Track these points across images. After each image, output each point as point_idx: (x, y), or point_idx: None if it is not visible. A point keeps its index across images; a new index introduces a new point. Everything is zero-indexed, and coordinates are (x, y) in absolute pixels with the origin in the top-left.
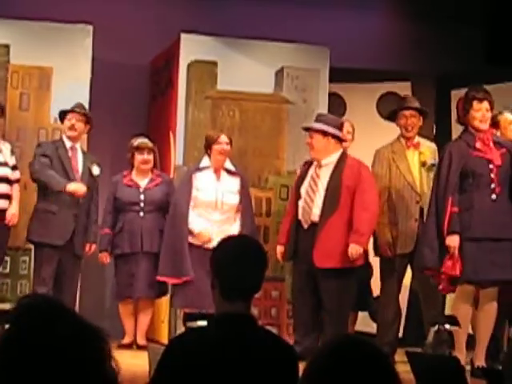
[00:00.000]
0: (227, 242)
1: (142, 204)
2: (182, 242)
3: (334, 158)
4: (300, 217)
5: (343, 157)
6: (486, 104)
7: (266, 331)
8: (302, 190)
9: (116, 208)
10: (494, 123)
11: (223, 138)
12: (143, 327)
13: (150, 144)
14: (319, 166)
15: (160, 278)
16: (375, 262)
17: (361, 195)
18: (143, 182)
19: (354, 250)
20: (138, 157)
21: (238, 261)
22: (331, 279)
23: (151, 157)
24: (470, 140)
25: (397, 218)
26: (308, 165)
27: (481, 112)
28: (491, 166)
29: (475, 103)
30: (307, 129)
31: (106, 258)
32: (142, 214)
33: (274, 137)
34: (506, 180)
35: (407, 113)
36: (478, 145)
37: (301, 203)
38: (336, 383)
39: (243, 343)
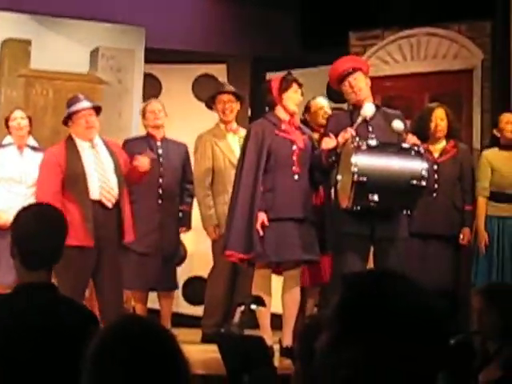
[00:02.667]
0: (27, 210)
1: None
2: None
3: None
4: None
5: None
6: (301, 91)
7: (67, 299)
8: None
9: None
10: (306, 108)
11: (16, 114)
12: None
13: None
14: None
15: None
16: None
17: None
18: None
19: None
20: None
21: (37, 230)
22: None
23: None
24: (275, 120)
25: (225, 199)
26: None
27: (297, 96)
28: (294, 148)
29: (295, 85)
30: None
31: None
32: None
33: None
34: (307, 162)
35: (225, 98)
36: (283, 126)
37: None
38: (115, 361)
39: (45, 312)
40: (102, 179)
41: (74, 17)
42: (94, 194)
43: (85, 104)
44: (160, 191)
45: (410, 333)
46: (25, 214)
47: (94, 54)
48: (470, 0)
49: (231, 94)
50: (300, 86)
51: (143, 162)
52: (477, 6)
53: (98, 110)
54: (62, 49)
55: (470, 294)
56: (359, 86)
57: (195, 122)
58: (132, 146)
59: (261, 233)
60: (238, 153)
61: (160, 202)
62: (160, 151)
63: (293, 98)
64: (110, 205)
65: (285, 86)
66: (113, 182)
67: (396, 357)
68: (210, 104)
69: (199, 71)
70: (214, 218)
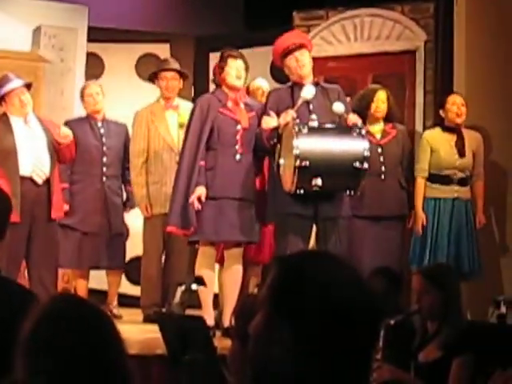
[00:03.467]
0: None
1: None
2: None
3: None
4: None
5: None
6: (240, 62)
7: (2, 278)
8: None
9: None
10: (246, 89)
11: None
12: None
13: None
14: None
15: None
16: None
17: None
18: None
19: None
20: None
21: None
22: None
23: None
24: (222, 98)
25: (155, 178)
26: None
27: (235, 69)
28: (238, 128)
29: (230, 60)
30: None
31: None
32: None
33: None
34: (251, 142)
35: (168, 75)
36: (229, 104)
37: None
38: (46, 341)
39: None
40: (34, 155)
41: None
42: (25, 169)
43: (16, 83)
44: (104, 170)
45: (337, 312)
46: None
47: (37, 32)
48: None
49: (175, 71)
50: (235, 57)
51: (65, 131)
52: None
53: (29, 86)
54: (3, 26)
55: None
56: (304, 61)
57: (138, 101)
58: (73, 127)
59: (197, 206)
60: (174, 131)
61: (104, 180)
62: (102, 131)
63: (231, 74)
64: (40, 181)
65: (222, 63)
66: (44, 158)
67: (325, 336)
68: (153, 79)
69: (142, 50)
70: (144, 197)
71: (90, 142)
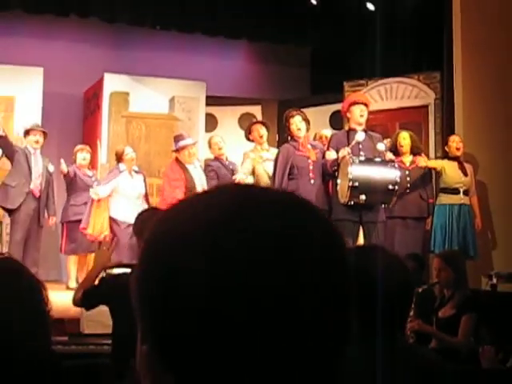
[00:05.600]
0: None
1: None
2: None
3: None
4: None
5: None
6: (298, 118)
7: None
8: None
9: None
10: (314, 136)
11: (128, 149)
12: None
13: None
14: None
15: None
16: None
17: None
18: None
19: None
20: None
21: None
22: None
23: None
24: (294, 144)
25: None
26: None
27: (295, 124)
28: (309, 161)
29: (290, 119)
30: None
31: None
32: None
33: (167, 144)
34: (319, 170)
35: (258, 126)
36: (300, 147)
37: None
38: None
39: None
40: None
41: (158, 75)
42: None
43: (189, 141)
44: None
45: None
46: None
47: (171, 100)
48: (425, 57)
49: (261, 123)
50: (293, 116)
51: None
52: (430, 61)
53: (195, 143)
54: (149, 97)
55: (430, 257)
56: (364, 113)
57: (241, 145)
58: (213, 167)
59: None
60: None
61: None
62: (231, 167)
63: (293, 128)
64: None
65: (285, 122)
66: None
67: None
68: (248, 135)
69: (243, 111)
70: None
71: (226, 175)
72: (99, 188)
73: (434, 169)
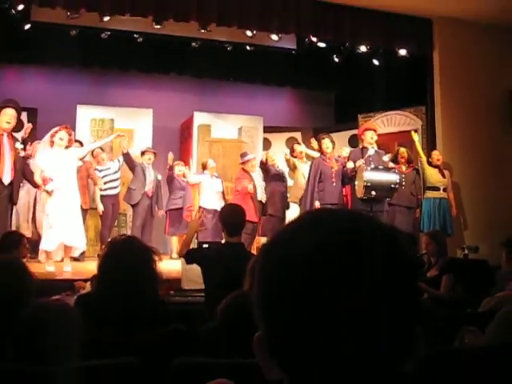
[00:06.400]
0: None
1: None
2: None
3: None
4: None
5: None
6: (327, 140)
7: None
8: None
9: None
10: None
11: (210, 161)
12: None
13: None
14: None
15: None
16: None
17: None
18: None
19: None
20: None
21: None
22: None
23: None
24: (324, 158)
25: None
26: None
27: (325, 144)
28: (333, 170)
29: (321, 140)
30: None
31: None
32: None
33: (237, 160)
34: (340, 176)
35: (297, 147)
36: (327, 160)
37: None
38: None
39: None
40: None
41: (230, 113)
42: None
43: (251, 156)
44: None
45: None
46: None
47: (240, 129)
48: (414, 96)
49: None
50: (323, 138)
51: None
52: (418, 99)
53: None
54: (226, 130)
55: (419, 236)
56: (373, 137)
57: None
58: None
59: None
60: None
61: None
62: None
63: (323, 147)
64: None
65: (318, 142)
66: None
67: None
68: (291, 153)
69: (288, 135)
70: None
71: (280, 186)
72: (190, 176)
73: (418, 153)
